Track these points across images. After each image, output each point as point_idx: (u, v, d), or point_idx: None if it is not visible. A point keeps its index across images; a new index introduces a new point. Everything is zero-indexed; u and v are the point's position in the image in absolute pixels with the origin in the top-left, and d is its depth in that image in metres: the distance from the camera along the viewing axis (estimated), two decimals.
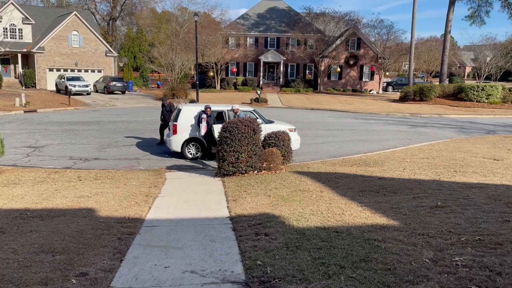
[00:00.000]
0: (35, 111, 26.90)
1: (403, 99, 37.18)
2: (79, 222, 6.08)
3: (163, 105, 15.71)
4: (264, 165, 10.58)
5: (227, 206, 7.35)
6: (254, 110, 13.74)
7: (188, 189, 8.93)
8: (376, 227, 5.68)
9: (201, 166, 12.15)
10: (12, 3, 40.48)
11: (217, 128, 12.53)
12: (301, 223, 5.97)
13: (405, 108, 31.40)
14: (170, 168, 11.76)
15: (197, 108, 13.13)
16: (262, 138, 11.14)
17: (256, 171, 10.44)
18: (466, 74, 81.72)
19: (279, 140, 11.32)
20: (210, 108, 12.66)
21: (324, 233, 5.44)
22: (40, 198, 7.49)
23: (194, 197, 8.10)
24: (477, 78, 41.95)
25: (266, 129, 12.26)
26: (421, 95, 36.02)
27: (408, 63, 51.65)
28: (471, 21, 37.28)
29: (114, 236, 5.57)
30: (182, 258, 4.94)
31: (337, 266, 4.40)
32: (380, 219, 6.07)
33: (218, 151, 10.43)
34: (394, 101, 37.99)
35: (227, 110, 13.52)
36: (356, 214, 6.33)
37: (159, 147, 14.89)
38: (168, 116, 15.11)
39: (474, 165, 10.82)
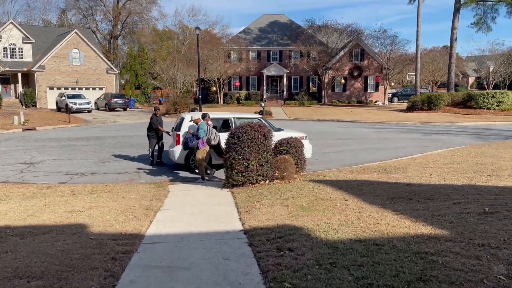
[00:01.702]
0: (34, 129, 26.12)
1: (411, 108, 36.28)
2: (65, 240, 5.13)
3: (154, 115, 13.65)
4: (277, 173, 9.63)
5: (240, 218, 6.39)
6: (261, 118, 12.86)
7: (194, 201, 7.98)
8: (422, 238, 4.71)
9: (207, 178, 11.20)
10: (12, 22, 40.26)
11: (223, 137, 11.65)
12: (330, 235, 5.00)
13: (415, 117, 30.48)
14: (174, 180, 10.83)
15: (199, 116, 12.23)
16: (273, 145, 10.21)
17: (268, 181, 9.49)
18: (469, 85, 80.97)
19: (291, 147, 10.40)
20: (209, 116, 11.57)
21: (361, 247, 4.47)
22: (25, 214, 6.55)
23: (201, 210, 7.14)
24: (486, 87, 41.04)
25: (275, 137, 11.34)
26: (429, 104, 35.11)
27: (412, 73, 51.16)
28: (477, 27, 36.65)
29: (107, 256, 4.61)
30: (190, 281, 3.98)
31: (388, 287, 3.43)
32: (424, 229, 5.09)
33: (225, 159, 9.50)
34: (402, 111, 37.07)
35: (233, 117, 12.64)
36: (394, 224, 5.35)
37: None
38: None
39: (507, 169, 9.84)
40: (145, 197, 8.18)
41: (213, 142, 10.76)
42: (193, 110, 16.20)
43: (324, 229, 5.28)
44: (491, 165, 10.58)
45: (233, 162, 9.20)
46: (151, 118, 13.47)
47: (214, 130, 10.93)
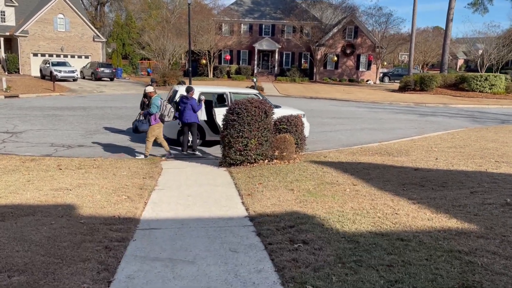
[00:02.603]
0: (17, 96, 25.00)
1: (403, 89, 35.93)
2: (52, 224, 4.58)
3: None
4: (276, 153, 9.13)
5: (242, 202, 5.91)
6: (258, 93, 12.26)
7: (190, 180, 7.46)
8: (450, 233, 4.30)
9: (200, 154, 10.67)
10: None
11: (218, 112, 11.06)
12: (347, 226, 4.56)
13: (408, 98, 30.17)
14: (166, 156, 10.25)
15: (194, 90, 11.55)
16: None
17: (266, 160, 9.00)
18: (458, 67, 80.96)
19: (291, 125, 9.88)
20: (193, 90, 10.66)
21: (385, 242, 4.04)
22: (6, 191, 5.95)
23: (199, 190, 6.63)
24: (479, 70, 40.80)
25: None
26: (421, 85, 34.79)
27: (405, 53, 50.65)
28: (474, 8, 36.07)
29: (100, 244, 4.09)
30: (197, 278, 3.50)
31: None
32: (448, 222, 4.69)
33: (223, 136, 8.94)
34: (394, 91, 36.73)
35: (229, 92, 12.00)
36: (414, 214, 4.93)
37: None
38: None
39: None
40: (138, 175, 7.63)
41: (167, 119, 9.64)
42: (180, 83, 15.15)
43: (338, 218, 4.84)
44: (496, 150, 10.26)
45: (231, 140, 8.66)
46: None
47: (168, 106, 9.76)
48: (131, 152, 10.76)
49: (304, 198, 5.83)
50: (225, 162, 8.90)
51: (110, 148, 11.14)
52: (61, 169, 7.93)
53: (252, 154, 8.73)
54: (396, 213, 4.95)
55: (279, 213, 5.19)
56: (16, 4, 39.12)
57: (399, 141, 12.50)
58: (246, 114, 8.59)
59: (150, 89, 9.99)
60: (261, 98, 10.92)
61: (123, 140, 12.32)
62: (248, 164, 8.79)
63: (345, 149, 11.08)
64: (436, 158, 9.16)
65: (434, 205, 5.30)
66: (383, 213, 4.97)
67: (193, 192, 6.57)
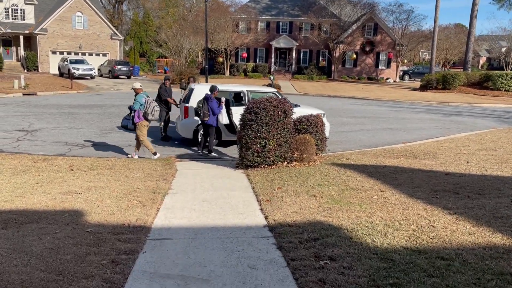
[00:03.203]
0: (35, 94, 25.09)
1: (424, 87, 34.93)
2: (56, 233, 4.25)
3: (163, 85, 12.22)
4: (296, 155, 8.69)
5: (261, 209, 5.49)
6: (277, 92, 11.83)
7: (205, 183, 7.08)
8: (497, 251, 3.81)
9: (216, 155, 10.29)
10: None
11: (235, 111, 10.67)
12: (378, 240, 4.11)
13: (430, 97, 29.27)
14: (181, 157, 9.92)
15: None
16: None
17: (285, 162, 8.57)
18: (480, 65, 78.95)
19: (311, 126, 9.41)
20: (217, 90, 10.17)
21: (424, 261, 3.57)
22: (13, 194, 5.67)
23: (214, 195, 6.25)
24: (505, 67, 39.45)
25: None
26: (444, 83, 33.78)
27: (426, 50, 49.44)
28: (499, 4, 34.76)
29: (106, 257, 3.74)
30: None
31: None
32: (492, 236, 4.19)
33: (240, 137, 8.54)
34: (415, 89, 35.78)
35: (246, 90, 11.59)
36: (453, 227, 4.45)
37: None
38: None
39: None
40: (151, 177, 7.29)
41: (150, 117, 9.13)
42: (191, 79, 14.51)
43: (367, 230, 4.39)
44: None
45: (249, 140, 8.26)
46: (160, 88, 12.18)
47: (153, 104, 9.15)
48: (145, 151, 10.45)
49: (327, 205, 5.39)
50: (242, 163, 8.51)
51: (125, 148, 10.87)
52: (72, 170, 7.65)
53: (270, 156, 8.31)
54: (432, 226, 4.47)
55: (301, 222, 4.76)
56: (36, 2, 39.47)
57: (424, 142, 11.91)
58: (265, 113, 8.18)
59: (137, 85, 9.50)
60: (279, 96, 10.46)
61: None
62: (266, 166, 8.38)
63: (368, 151, 10.56)
64: (467, 162, 8.58)
65: (473, 216, 4.80)
66: (417, 225, 4.50)
67: (209, 196, 6.19)
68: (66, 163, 8.31)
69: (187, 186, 6.86)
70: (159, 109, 9.30)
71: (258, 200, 5.90)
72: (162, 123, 12.01)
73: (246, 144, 8.34)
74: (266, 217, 5.12)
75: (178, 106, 12.34)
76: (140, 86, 9.49)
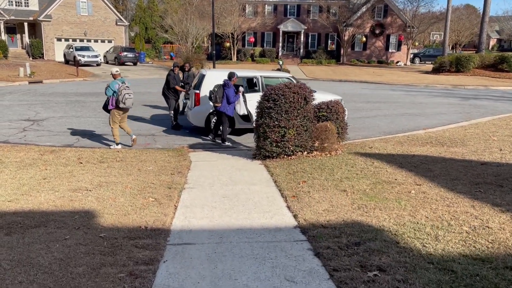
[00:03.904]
0: (41, 82, 24.68)
1: (437, 70, 34.03)
2: (66, 240, 3.81)
3: (172, 72, 11.63)
4: (316, 144, 8.17)
5: (288, 207, 5.02)
6: (292, 77, 11.26)
7: (223, 176, 6.62)
8: None
9: (230, 144, 9.81)
10: None
11: (249, 98, 10.14)
12: (430, 246, 3.63)
13: (444, 80, 28.45)
14: (194, 147, 9.46)
15: (223, 74, 10.59)
16: None
17: (306, 152, 8.07)
18: (490, 46, 77.19)
19: (332, 112, 8.87)
20: (236, 76, 9.64)
21: (491, 272, 3.09)
22: (19, 192, 5.24)
23: (234, 190, 5.78)
24: None
25: None
26: (457, 66, 32.87)
27: (436, 32, 48.12)
28: None
29: (123, 269, 3.29)
30: None
31: None
32: None
33: (257, 126, 8.03)
34: (427, 72, 34.91)
35: (260, 75, 11.03)
36: (511, 229, 3.94)
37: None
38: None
39: None
40: (165, 170, 6.83)
41: (121, 105, 8.67)
42: (186, 65, 12.71)
43: (414, 233, 3.90)
44: None
45: (267, 130, 7.75)
46: (168, 75, 11.62)
47: (124, 91, 8.67)
48: (154, 142, 10.00)
49: (362, 202, 4.90)
50: (260, 154, 8.02)
51: (133, 137, 10.42)
52: (81, 162, 7.21)
53: (290, 146, 7.81)
54: (487, 227, 3.98)
55: (336, 223, 4.28)
56: None
57: (447, 128, 11.34)
58: (284, 100, 7.65)
59: (113, 70, 9.05)
60: (295, 82, 9.87)
61: (147, 129, 11.60)
62: (285, 156, 7.89)
63: (390, 138, 10.02)
64: (501, 149, 8.03)
65: None
66: (470, 226, 4.00)
67: (229, 192, 5.72)
68: (75, 155, 7.88)
69: (204, 180, 6.39)
70: (130, 97, 8.78)
71: (283, 196, 5.43)
72: (172, 111, 11.51)
73: (264, 134, 7.84)
74: (295, 216, 4.65)
75: (189, 93, 11.83)
76: (117, 71, 8.99)
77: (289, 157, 7.84)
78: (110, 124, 9.02)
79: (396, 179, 5.85)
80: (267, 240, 4.00)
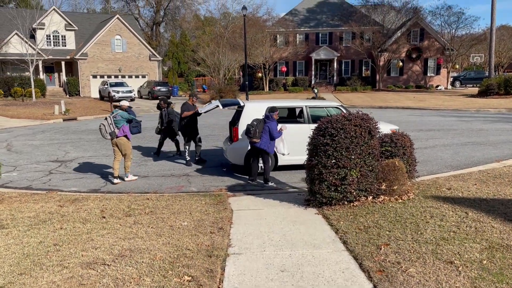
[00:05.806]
0: (75, 119, 24.50)
1: (484, 93, 31.89)
2: None
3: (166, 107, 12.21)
4: (383, 187, 6.71)
5: None
6: (341, 106, 9.94)
7: (275, 234, 5.26)
8: None
9: (274, 185, 8.47)
10: (54, 9, 39.09)
11: (291, 132, 8.88)
12: None
13: (495, 103, 26.35)
14: (233, 189, 8.18)
15: (263, 105, 9.38)
16: None
17: (371, 197, 6.63)
18: None
19: (397, 147, 7.43)
20: (277, 111, 8.36)
21: None
22: (17, 270, 4.05)
23: (294, 258, 4.40)
24: None
25: None
26: (506, 88, 30.72)
27: (476, 54, 45.82)
28: None
29: None
30: None
31: None
32: None
33: (310, 166, 6.68)
34: (473, 96, 32.76)
35: (305, 105, 9.77)
36: None
37: (211, 159, 11.33)
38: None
39: None
40: (203, 225, 5.55)
41: (108, 137, 8.85)
42: (192, 95, 10.98)
43: None
44: None
45: (323, 171, 6.38)
46: (183, 104, 10.61)
47: (106, 123, 8.84)
48: (188, 183, 8.79)
49: (484, 284, 3.40)
50: (315, 200, 6.63)
51: (167, 178, 9.29)
52: (104, 217, 6.05)
53: (352, 190, 6.40)
54: None
55: None
56: (76, 28, 39.79)
57: None
58: (344, 135, 6.31)
59: (122, 102, 9.23)
60: (345, 111, 8.47)
61: (181, 167, 10.48)
62: (346, 203, 6.46)
63: (465, 174, 8.41)
64: None
65: None
66: None
67: (287, 261, 4.34)
68: (98, 206, 6.75)
69: (252, 240, 5.05)
70: (100, 127, 8.87)
71: (363, 270, 3.99)
72: (187, 146, 10.66)
73: (319, 176, 6.47)
74: None
75: (199, 113, 10.56)
76: (123, 104, 9.10)
77: (351, 204, 6.43)
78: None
79: None
80: None
